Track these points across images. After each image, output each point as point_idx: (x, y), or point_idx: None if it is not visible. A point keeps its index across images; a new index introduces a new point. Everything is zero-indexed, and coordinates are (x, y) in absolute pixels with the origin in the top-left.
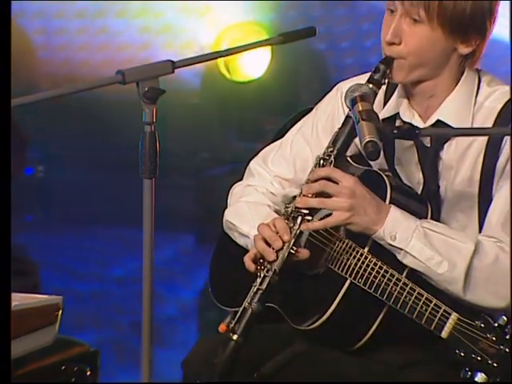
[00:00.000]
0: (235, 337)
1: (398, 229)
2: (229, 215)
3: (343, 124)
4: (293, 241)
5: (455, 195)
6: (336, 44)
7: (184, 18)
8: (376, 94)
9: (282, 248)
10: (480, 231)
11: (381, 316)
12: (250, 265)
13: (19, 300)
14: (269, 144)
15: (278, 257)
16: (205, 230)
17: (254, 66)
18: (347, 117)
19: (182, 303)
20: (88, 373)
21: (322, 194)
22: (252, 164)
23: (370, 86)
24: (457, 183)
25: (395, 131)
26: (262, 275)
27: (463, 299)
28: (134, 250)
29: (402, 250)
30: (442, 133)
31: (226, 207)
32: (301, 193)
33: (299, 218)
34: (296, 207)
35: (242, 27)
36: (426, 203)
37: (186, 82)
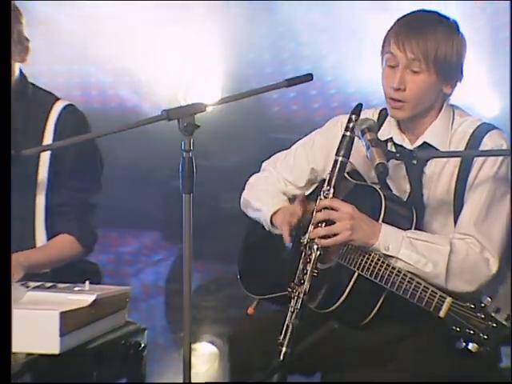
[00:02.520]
0: (284, 349)
1: (390, 241)
2: (246, 194)
3: (333, 168)
4: (314, 265)
5: (436, 201)
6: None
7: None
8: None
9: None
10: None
11: (382, 298)
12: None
13: (98, 290)
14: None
15: (305, 280)
16: (169, 229)
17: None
18: (335, 161)
19: (147, 287)
20: (142, 345)
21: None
22: (265, 163)
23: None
24: (438, 192)
25: (398, 154)
26: (295, 297)
27: (445, 288)
28: (103, 246)
29: (393, 257)
30: (446, 155)
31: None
32: (309, 223)
33: (315, 246)
34: (310, 238)
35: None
36: (411, 208)
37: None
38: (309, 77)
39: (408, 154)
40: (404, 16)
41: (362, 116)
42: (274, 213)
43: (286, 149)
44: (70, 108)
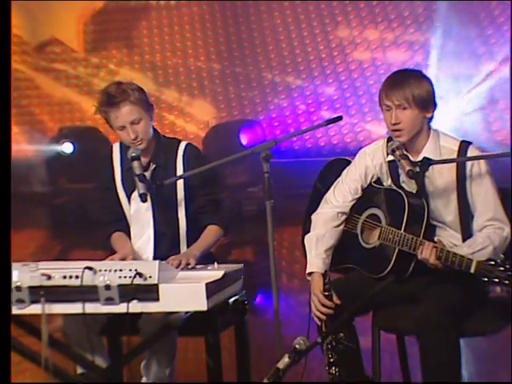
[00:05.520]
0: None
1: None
2: (306, 240)
3: None
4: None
5: (439, 193)
6: None
7: None
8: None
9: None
10: (459, 206)
11: (414, 261)
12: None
13: (223, 268)
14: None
15: None
16: None
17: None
18: None
19: None
20: (246, 302)
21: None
22: (326, 197)
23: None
24: (440, 188)
25: (419, 163)
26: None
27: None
28: None
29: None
30: (452, 161)
31: None
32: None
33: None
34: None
35: None
36: (422, 199)
37: None
38: (340, 118)
39: (426, 161)
40: (388, 77)
41: (376, 144)
42: (310, 273)
43: None
44: (190, 146)
